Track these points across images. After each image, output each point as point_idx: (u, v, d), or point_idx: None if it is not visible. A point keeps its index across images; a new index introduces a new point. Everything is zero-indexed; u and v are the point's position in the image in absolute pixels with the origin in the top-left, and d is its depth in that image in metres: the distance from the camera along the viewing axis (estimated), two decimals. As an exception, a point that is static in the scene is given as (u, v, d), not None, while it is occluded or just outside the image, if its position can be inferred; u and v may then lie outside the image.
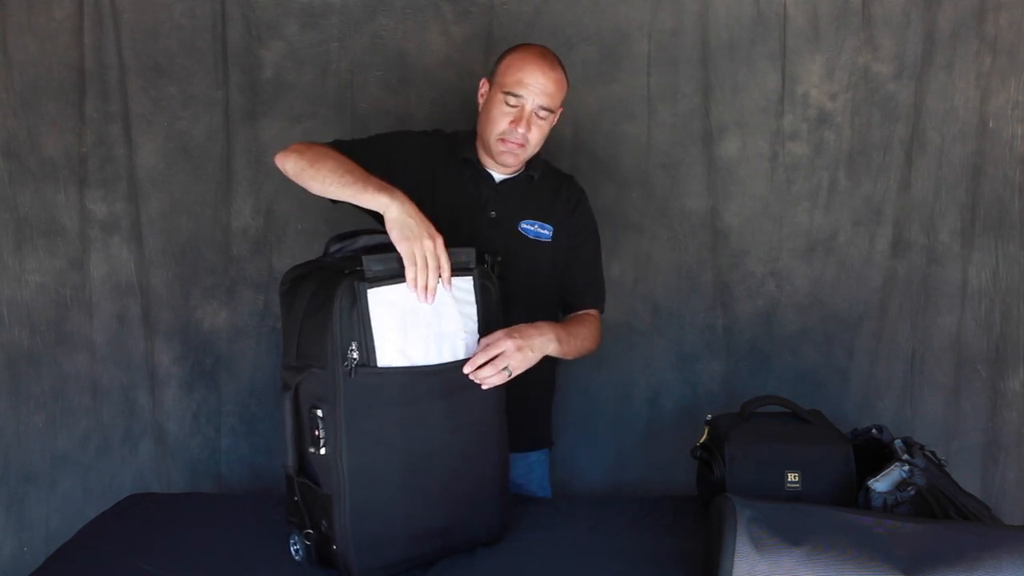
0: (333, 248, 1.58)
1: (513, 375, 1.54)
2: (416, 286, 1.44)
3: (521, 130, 1.76)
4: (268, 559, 1.53)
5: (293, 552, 1.52)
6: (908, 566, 1.29)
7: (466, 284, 1.54)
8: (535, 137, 1.79)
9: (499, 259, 1.72)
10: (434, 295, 1.45)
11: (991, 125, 2.34)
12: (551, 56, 1.81)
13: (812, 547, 1.32)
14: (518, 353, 1.54)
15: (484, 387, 1.51)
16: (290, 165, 1.63)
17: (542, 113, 1.77)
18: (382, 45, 2.29)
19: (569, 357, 1.76)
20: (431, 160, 1.85)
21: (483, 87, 1.85)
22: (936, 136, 2.34)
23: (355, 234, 1.60)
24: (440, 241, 1.47)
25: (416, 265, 1.44)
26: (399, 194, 1.50)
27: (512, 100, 1.75)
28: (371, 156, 1.71)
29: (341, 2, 2.26)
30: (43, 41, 2.23)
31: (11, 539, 2.37)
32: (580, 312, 1.93)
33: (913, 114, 2.34)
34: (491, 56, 2.29)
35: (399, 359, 1.43)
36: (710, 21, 2.30)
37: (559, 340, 1.67)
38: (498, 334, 1.54)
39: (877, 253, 2.39)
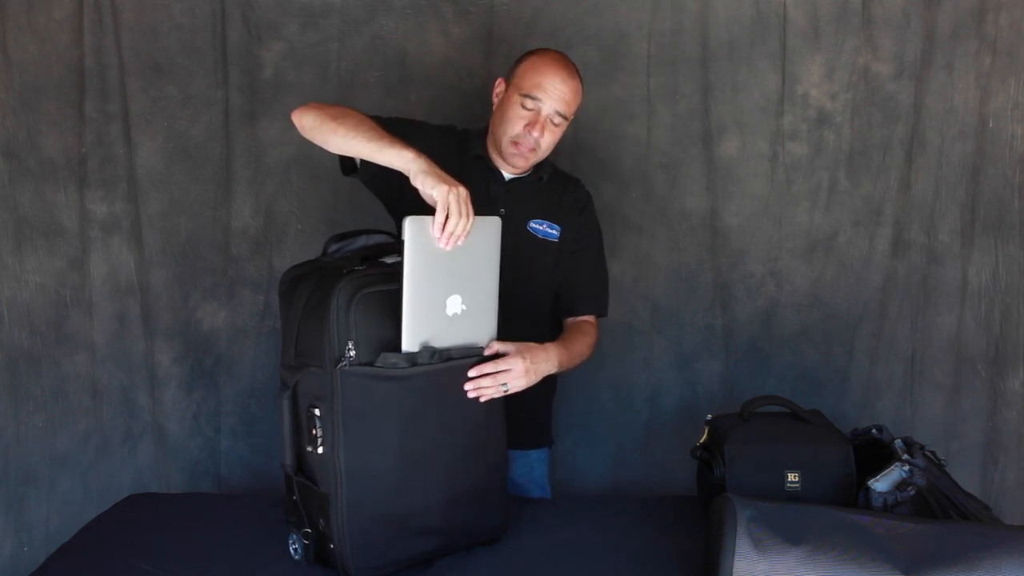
0: (332, 248, 1.58)
1: (508, 392, 1.57)
2: (443, 231, 1.41)
3: (535, 134, 1.76)
4: (267, 559, 1.53)
5: (292, 551, 1.52)
6: (908, 566, 1.29)
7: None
8: (547, 142, 1.79)
9: None
10: (456, 243, 1.43)
11: (991, 125, 2.34)
12: (571, 64, 1.81)
13: (812, 547, 1.32)
14: (523, 377, 1.58)
15: (480, 399, 1.52)
16: (309, 120, 1.61)
17: (557, 119, 1.77)
18: (382, 45, 2.29)
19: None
20: (445, 155, 1.79)
21: (499, 86, 1.84)
22: (936, 136, 2.34)
23: (354, 234, 1.60)
24: (468, 192, 1.45)
25: (448, 211, 1.41)
26: (423, 153, 1.49)
27: (529, 103, 1.75)
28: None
29: (341, 2, 2.26)
30: (43, 41, 2.23)
31: (11, 539, 2.37)
32: (579, 319, 1.92)
33: (913, 114, 2.34)
34: (491, 56, 2.30)
35: (397, 358, 1.43)
36: (710, 21, 2.30)
37: (560, 364, 1.72)
38: (512, 351, 1.57)
39: (877, 253, 2.39)
